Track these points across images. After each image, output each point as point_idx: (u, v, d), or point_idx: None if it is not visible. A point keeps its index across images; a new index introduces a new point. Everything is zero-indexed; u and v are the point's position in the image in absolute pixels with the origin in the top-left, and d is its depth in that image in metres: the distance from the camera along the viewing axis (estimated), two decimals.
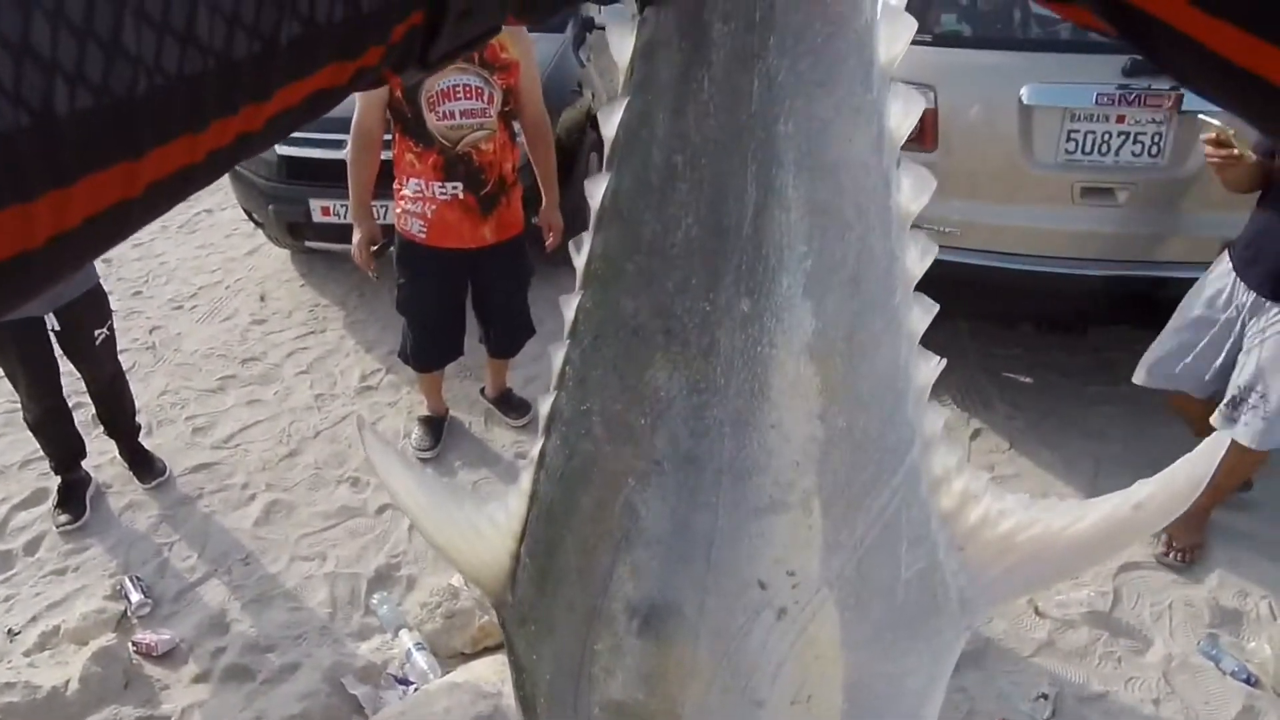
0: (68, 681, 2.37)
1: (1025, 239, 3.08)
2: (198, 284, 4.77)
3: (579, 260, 0.45)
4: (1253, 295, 2.45)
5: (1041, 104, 2.95)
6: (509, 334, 3.28)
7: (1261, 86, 0.26)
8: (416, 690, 2.34)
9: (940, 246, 0.45)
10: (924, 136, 3.08)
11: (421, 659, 2.42)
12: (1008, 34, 3.31)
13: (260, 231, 4.64)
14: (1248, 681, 2.36)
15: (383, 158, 2.97)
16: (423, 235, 2.92)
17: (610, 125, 0.42)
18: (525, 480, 0.50)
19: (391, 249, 3.07)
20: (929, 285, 0.44)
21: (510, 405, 3.51)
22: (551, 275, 3.45)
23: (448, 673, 2.38)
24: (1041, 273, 2.85)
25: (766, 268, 0.40)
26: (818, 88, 0.38)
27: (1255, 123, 0.30)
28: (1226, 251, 2.57)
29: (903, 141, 0.41)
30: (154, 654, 2.52)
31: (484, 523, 0.51)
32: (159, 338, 4.26)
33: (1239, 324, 2.50)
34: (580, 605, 0.46)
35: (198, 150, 0.27)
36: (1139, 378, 2.76)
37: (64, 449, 3.02)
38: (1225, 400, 2.51)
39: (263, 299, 4.59)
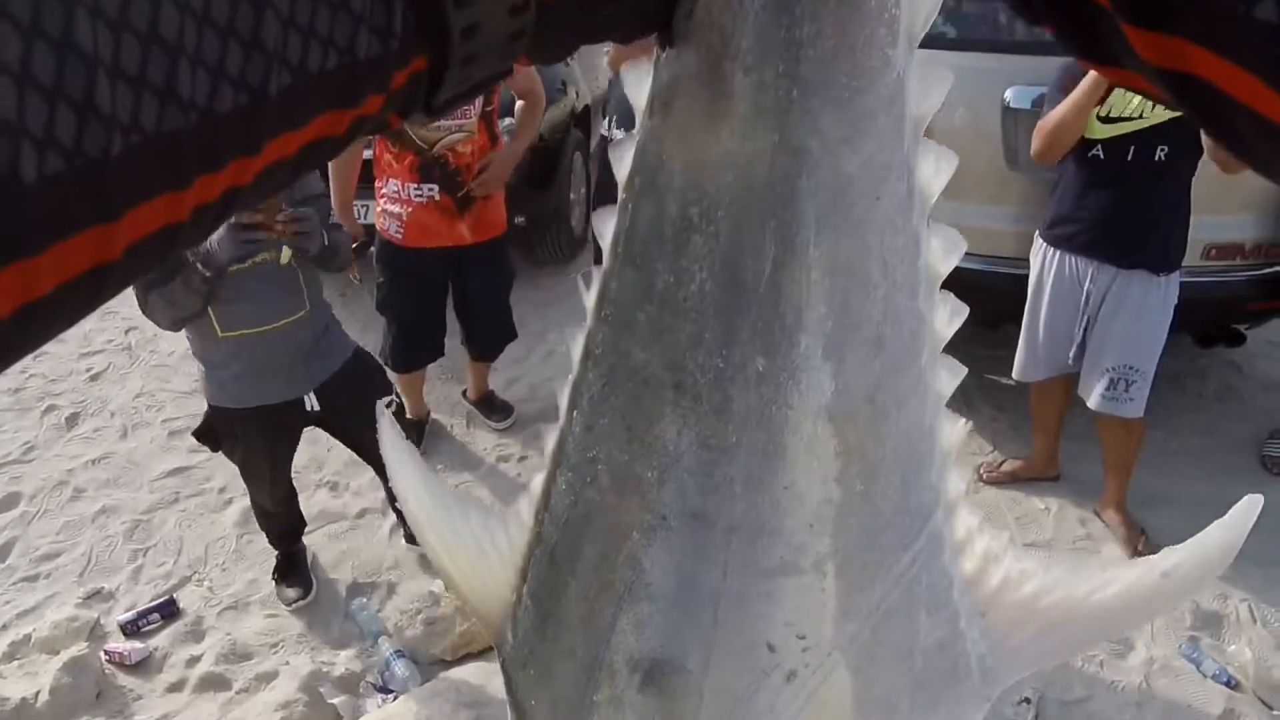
0: (37, 693, 2.31)
1: (1008, 241, 3.08)
2: None
3: (588, 299, 0.44)
4: (1099, 269, 2.57)
5: (1025, 107, 2.95)
6: (490, 336, 3.25)
7: None
8: (396, 698, 2.30)
9: None
10: None
11: (401, 667, 2.38)
12: (992, 36, 3.32)
13: None
14: (1228, 684, 2.37)
15: (364, 156, 2.94)
16: (400, 236, 2.90)
17: (623, 163, 0.41)
18: (525, 512, 0.49)
19: (372, 249, 3.04)
20: None
21: (492, 408, 3.48)
22: (533, 277, 3.42)
23: (428, 680, 2.35)
24: (1025, 275, 2.85)
25: (783, 326, 0.38)
26: (843, 144, 0.36)
27: None
28: (1046, 245, 2.71)
29: (934, 200, 0.40)
30: (127, 663, 2.48)
31: (488, 544, 0.51)
32: (135, 339, 4.20)
33: (1088, 300, 2.64)
34: (581, 654, 0.45)
35: (181, 208, 0.26)
36: (1018, 375, 2.90)
37: (288, 527, 2.72)
38: (1105, 384, 2.60)
39: None
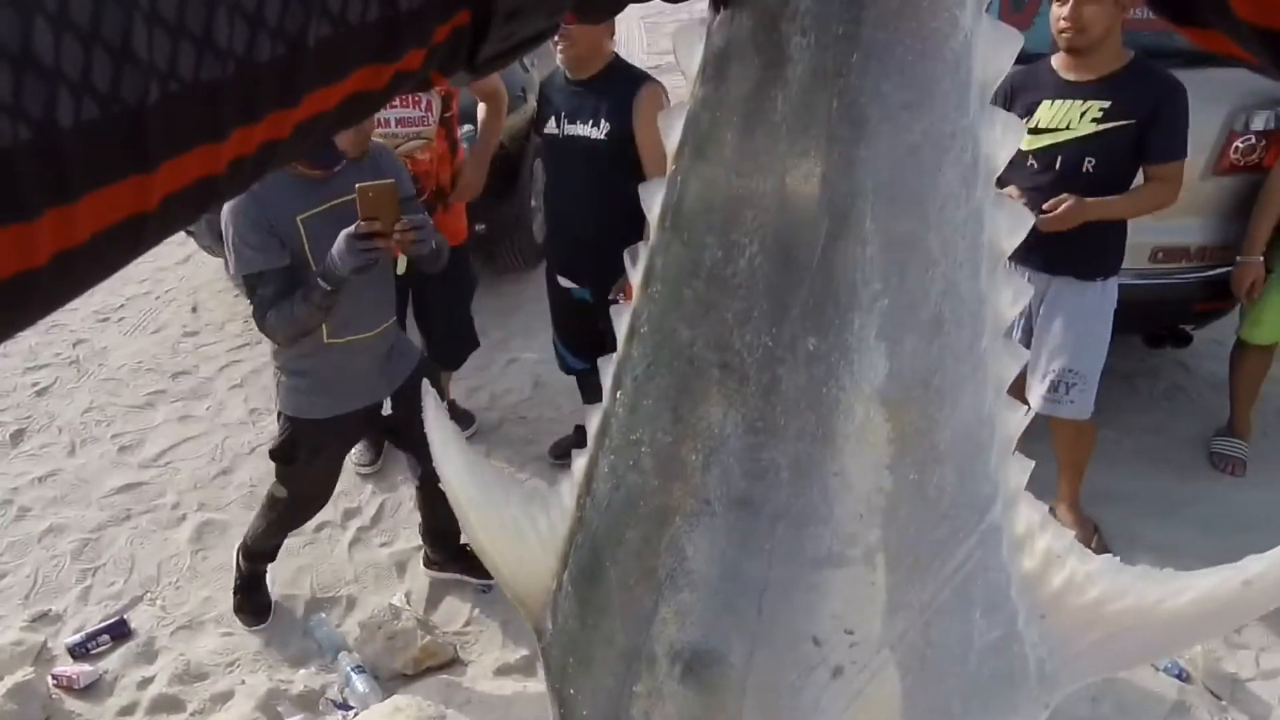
0: None
1: None
2: (125, 295, 4.59)
3: (635, 275, 0.42)
4: (1034, 275, 2.58)
5: None
6: (452, 345, 3.22)
7: None
8: (356, 715, 2.26)
9: None
10: None
11: (361, 682, 2.34)
12: None
13: (192, 239, 4.49)
14: (1179, 676, 2.43)
15: None
16: None
17: (673, 132, 0.39)
18: (567, 495, 0.48)
19: None
20: None
21: (454, 417, 3.43)
22: (495, 285, 3.40)
23: (389, 696, 2.31)
24: None
25: (836, 304, 0.36)
26: (904, 111, 0.35)
27: None
28: None
29: (999, 171, 0.38)
30: (75, 687, 2.40)
31: (529, 528, 0.49)
32: (83, 352, 4.09)
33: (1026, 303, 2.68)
34: (620, 643, 0.44)
35: (218, 160, 0.25)
36: None
37: (274, 548, 2.59)
38: (1045, 387, 2.65)
39: (194, 310, 4.45)
